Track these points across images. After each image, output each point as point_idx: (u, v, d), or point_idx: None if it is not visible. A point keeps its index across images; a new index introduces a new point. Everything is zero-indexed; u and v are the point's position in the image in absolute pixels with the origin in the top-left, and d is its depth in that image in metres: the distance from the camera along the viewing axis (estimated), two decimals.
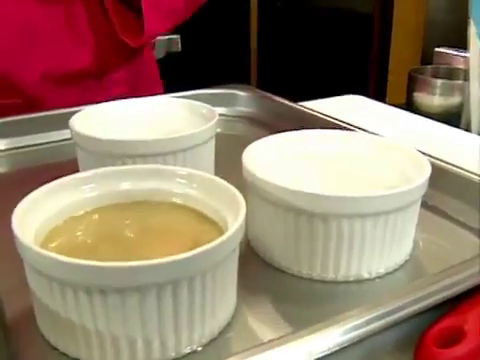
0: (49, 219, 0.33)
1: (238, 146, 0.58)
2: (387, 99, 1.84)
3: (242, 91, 0.67)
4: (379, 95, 1.89)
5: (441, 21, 1.86)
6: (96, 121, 0.49)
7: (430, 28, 1.86)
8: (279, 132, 0.61)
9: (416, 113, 0.79)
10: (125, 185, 0.36)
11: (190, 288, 0.28)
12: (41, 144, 0.57)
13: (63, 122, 0.57)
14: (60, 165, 0.54)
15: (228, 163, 0.52)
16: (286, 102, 0.65)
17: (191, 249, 0.32)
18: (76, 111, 0.50)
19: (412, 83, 0.84)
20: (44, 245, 0.32)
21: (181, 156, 0.44)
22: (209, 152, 0.48)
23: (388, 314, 0.30)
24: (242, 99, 0.66)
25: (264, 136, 0.64)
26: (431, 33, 1.85)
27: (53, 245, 0.32)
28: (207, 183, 0.34)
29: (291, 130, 0.62)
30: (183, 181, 0.35)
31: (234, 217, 0.32)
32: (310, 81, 2.17)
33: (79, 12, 0.67)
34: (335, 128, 0.57)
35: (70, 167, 0.52)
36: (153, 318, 0.27)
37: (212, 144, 0.48)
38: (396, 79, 1.91)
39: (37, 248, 0.28)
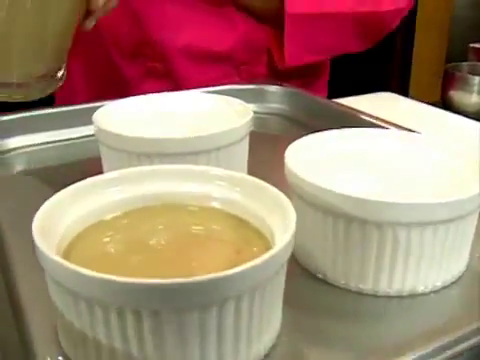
0: (72, 225, 0.30)
1: (270, 144, 0.55)
2: (410, 96, 1.79)
3: (271, 86, 0.63)
4: (402, 92, 1.84)
5: (466, 17, 1.80)
6: (121, 117, 0.45)
7: (455, 24, 1.81)
8: (313, 130, 0.58)
9: (452, 111, 0.75)
10: (156, 187, 0.33)
11: (237, 308, 0.24)
12: (60, 141, 0.54)
13: (84, 117, 0.54)
14: (81, 163, 0.51)
15: (261, 163, 0.49)
16: (318, 98, 0.62)
17: (234, 260, 0.29)
18: (100, 106, 0.47)
19: (448, 80, 0.80)
20: (68, 254, 0.29)
21: (214, 155, 0.41)
22: (243, 151, 0.44)
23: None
24: (272, 95, 0.62)
25: (297, 134, 0.60)
26: (456, 29, 1.80)
27: (78, 254, 0.29)
28: (251, 187, 0.31)
29: (325, 127, 0.58)
30: (223, 183, 0.32)
31: (282, 226, 0.28)
32: (331, 78, 2.12)
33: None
34: (373, 126, 0.53)
35: (93, 166, 0.49)
36: (194, 342, 0.24)
37: (246, 143, 0.44)
38: (420, 76, 1.86)
39: (61, 261, 0.24)
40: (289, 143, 0.55)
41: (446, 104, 0.83)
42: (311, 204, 0.33)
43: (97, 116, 0.43)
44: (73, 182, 0.47)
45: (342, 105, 0.59)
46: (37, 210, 0.42)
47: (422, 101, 0.76)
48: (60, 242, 0.29)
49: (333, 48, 0.71)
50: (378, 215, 0.31)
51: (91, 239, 0.30)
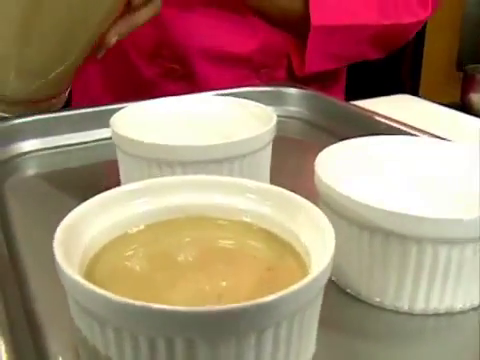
0: (95, 239, 0.28)
1: (291, 150, 0.53)
2: (421, 97, 1.77)
3: (289, 89, 0.61)
4: (412, 93, 1.81)
5: (479, 14, 1.78)
6: (140, 121, 0.44)
7: (467, 22, 1.78)
8: (333, 134, 0.56)
9: (471, 113, 0.73)
10: (182, 199, 0.31)
11: (276, 335, 0.22)
12: (76, 144, 0.52)
13: (101, 120, 0.52)
14: (98, 167, 0.50)
15: (284, 170, 0.47)
16: (337, 101, 0.60)
17: (265, 278, 0.27)
18: (116, 108, 0.45)
19: (467, 82, 0.78)
20: (91, 270, 0.27)
21: (238, 164, 0.39)
22: (267, 158, 0.42)
23: None
24: (290, 98, 0.60)
25: (317, 138, 0.59)
26: (467, 27, 1.78)
27: (101, 271, 0.27)
28: (283, 200, 0.29)
29: (346, 132, 0.57)
30: (253, 196, 0.30)
31: (319, 245, 0.26)
32: None
33: None
34: (398, 131, 0.51)
35: (109, 170, 0.48)
36: None
37: (270, 149, 0.42)
38: (431, 76, 1.84)
39: (86, 283, 0.23)
40: (311, 148, 0.54)
41: (466, 106, 0.81)
42: (345, 217, 0.31)
43: (114, 120, 0.41)
44: (89, 186, 0.46)
45: (363, 109, 0.57)
46: (52, 216, 0.40)
47: (441, 103, 0.74)
48: (83, 257, 0.27)
49: (351, 56, 0.71)
50: (418, 231, 0.29)
51: (115, 254, 0.28)
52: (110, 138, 0.42)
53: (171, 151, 0.38)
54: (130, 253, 0.29)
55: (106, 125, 0.48)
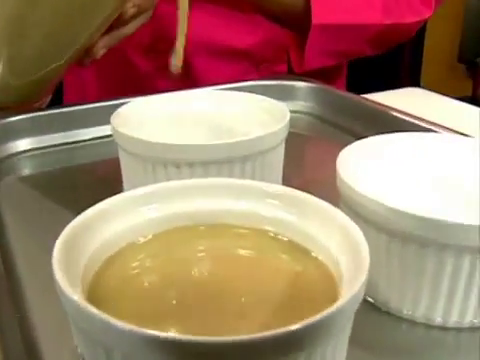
0: (99, 251, 0.25)
1: (303, 146, 0.50)
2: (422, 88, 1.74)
3: (298, 82, 0.58)
4: (413, 85, 1.78)
5: None
6: (143, 118, 0.41)
7: (469, 14, 1.75)
8: (345, 129, 0.53)
9: None
10: (194, 205, 0.28)
11: None
12: (73, 143, 0.49)
13: (98, 117, 0.49)
14: (96, 167, 0.47)
15: (297, 169, 0.44)
16: (348, 95, 0.57)
17: (289, 294, 0.24)
18: (114, 104, 0.42)
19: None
20: (94, 288, 0.24)
21: (250, 164, 0.36)
22: (279, 158, 0.39)
23: None
24: (301, 92, 0.57)
25: (329, 134, 0.56)
26: (469, 20, 1.74)
27: (106, 290, 0.24)
28: (309, 207, 0.26)
29: (359, 127, 0.54)
30: (275, 202, 0.27)
31: (350, 260, 0.23)
32: None
33: None
34: (414, 126, 0.48)
35: (108, 169, 0.45)
36: None
37: (283, 147, 0.39)
38: (431, 68, 1.81)
39: (91, 309, 0.20)
40: (323, 145, 0.51)
41: (476, 99, 0.78)
42: (373, 223, 0.29)
43: (115, 117, 0.38)
44: (89, 187, 0.44)
45: (376, 103, 0.54)
46: (50, 220, 0.38)
47: (453, 96, 0.71)
48: (85, 273, 0.24)
49: (351, 54, 0.69)
50: (457, 239, 0.26)
51: (120, 269, 0.25)
52: (110, 136, 0.39)
53: (177, 150, 0.35)
54: (137, 267, 0.26)
55: (105, 122, 0.45)
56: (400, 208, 0.27)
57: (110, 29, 0.46)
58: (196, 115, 0.43)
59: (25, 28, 0.42)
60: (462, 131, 0.49)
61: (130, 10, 0.47)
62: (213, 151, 0.35)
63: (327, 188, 0.41)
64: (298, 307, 0.24)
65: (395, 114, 0.51)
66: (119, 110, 0.39)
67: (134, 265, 0.26)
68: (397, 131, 0.49)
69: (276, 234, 0.27)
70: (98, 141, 0.49)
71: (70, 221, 0.38)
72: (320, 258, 0.25)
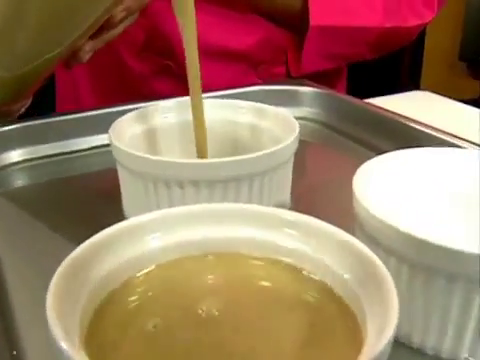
0: (96, 289, 0.23)
1: (311, 158, 0.48)
2: (423, 88, 1.72)
3: (305, 88, 0.56)
4: (412, 87, 1.76)
5: None
6: (142, 130, 0.38)
7: (470, 11, 1.73)
8: (354, 138, 0.51)
9: None
10: (203, 232, 0.26)
11: None
12: (67, 153, 0.46)
13: (94, 125, 0.47)
14: (92, 179, 0.44)
15: (306, 184, 0.42)
16: (357, 102, 0.54)
17: (308, 338, 0.22)
18: (110, 112, 0.40)
19: None
20: (92, 333, 0.22)
21: (258, 181, 0.34)
22: (288, 173, 0.37)
23: None
24: (306, 97, 0.55)
25: (337, 143, 0.53)
26: (471, 17, 1.72)
27: (104, 333, 0.22)
28: (331, 240, 0.23)
29: (367, 136, 0.52)
30: (293, 232, 0.24)
31: (375, 302, 0.21)
32: None
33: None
34: (429, 138, 0.46)
35: (105, 181, 0.43)
36: None
37: (292, 162, 0.37)
38: (432, 66, 1.78)
39: None
40: (330, 153, 0.49)
41: None
42: (393, 253, 0.26)
43: (113, 131, 0.36)
44: (86, 201, 0.41)
45: (383, 109, 0.52)
46: (43, 238, 0.35)
47: (462, 100, 0.69)
48: (82, 316, 0.22)
49: (349, 57, 0.67)
50: None
51: (121, 308, 0.23)
52: (107, 145, 0.37)
53: (181, 168, 0.32)
54: (139, 306, 0.23)
55: (101, 131, 0.43)
56: (427, 239, 0.25)
57: (97, 32, 0.44)
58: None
59: (13, 23, 0.39)
60: (469, 136, 0.47)
61: (120, 14, 0.44)
62: (219, 169, 0.32)
63: (339, 205, 0.39)
64: (318, 349, 0.22)
65: (404, 122, 0.48)
66: (117, 122, 0.37)
67: (135, 303, 0.23)
68: (408, 139, 0.47)
69: (292, 265, 0.24)
70: (94, 151, 0.46)
71: (65, 238, 0.36)
72: (343, 297, 0.23)
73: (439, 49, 1.74)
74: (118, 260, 0.24)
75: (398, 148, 0.48)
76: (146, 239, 0.25)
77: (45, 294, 0.20)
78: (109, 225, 0.38)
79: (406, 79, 1.79)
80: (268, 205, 0.35)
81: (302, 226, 0.24)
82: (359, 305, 0.22)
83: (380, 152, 0.48)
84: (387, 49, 0.68)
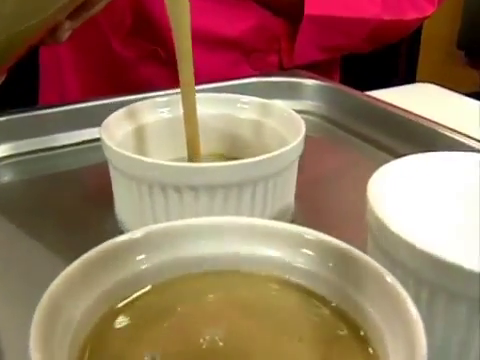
0: (83, 321, 0.20)
1: (314, 155, 0.45)
2: (418, 80, 1.69)
3: (306, 80, 0.53)
4: (409, 76, 1.73)
5: None
6: (136, 128, 0.35)
7: (469, 1, 1.69)
8: (359, 135, 0.48)
9: None
10: (202, 248, 0.23)
11: None
12: (53, 149, 0.43)
13: (82, 119, 0.44)
14: (80, 175, 0.41)
15: (310, 185, 0.39)
16: (363, 97, 0.51)
17: None
18: (99, 105, 0.37)
19: None
20: None
21: (262, 186, 0.31)
22: (293, 176, 0.34)
23: None
24: (307, 90, 0.52)
25: (342, 140, 0.51)
26: (470, 6, 1.69)
27: None
28: (349, 263, 0.21)
29: (374, 133, 0.49)
30: (310, 253, 0.22)
31: (398, 336, 0.19)
32: None
33: None
34: (443, 137, 0.43)
35: (94, 179, 0.40)
36: None
37: (296, 165, 0.34)
38: (429, 55, 1.75)
39: None
40: (334, 151, 0.46)
41: None
42: (412, 274, 0.24)
43: (105, 129, 0.33)
44: (73, 198, 0.38)
45: (388, 104, 0.49)
46: (28, 239, 0.33)
47: (463, 93, 0.66)
48: (72, 342, 0.19)
49: (344, 48, 0.65)
50: None
51: (114, 336, 0.21)
52: (97, 139, 0.34)
53: (179, 172, 0.30)
54: (134, 334, 0.21)
55: (90, 124, 0.40)
56: (457, 262, 0.22)
57: (76, 11, 0.41)
58: (200, 125, 0.37)
59: None
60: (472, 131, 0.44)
61: None
62: (221, 174, 0.30)
63: (348, 210, 0.36)
64: None
65: (413, 119, 0.46)
66: (108, 119, 0.34)
67: (130, 332, 0.21)
68: (418, 137, 0.44)
69: (302, 287, 0.22)
70: (83, 146, 0.43)
71: (52, 242, 0.33)
72: (360, 328, 0.21)
73: (437, 37, 1.71)
74: (108, 282, 0.22)
75: (406, 147, 0.46)
76: (138, 258, 0.23)
77: (27, 313, 0.18)
78: (100, 228, 0.35)
79: (403, 67, 1.77)
80: (272, 210, 0.33)
81: (321, 247, 0.22)
82: (379, 337, 0.20)
83: (386, 150, 0.46)
84: (383, 42, 0.66)
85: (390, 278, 0.20)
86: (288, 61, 0.61)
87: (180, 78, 0.33)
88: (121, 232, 0.34)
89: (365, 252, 0.27)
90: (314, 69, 0.60)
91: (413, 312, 0.19)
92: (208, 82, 0.51)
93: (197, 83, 0.50)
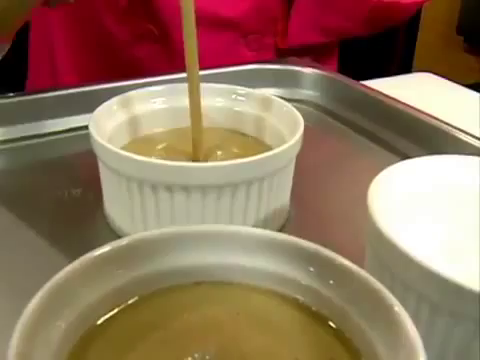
0: (71, 328, 0.19)
1: (311, 148, 0.44)
2: (414, 67, 1.66)
3: (305, 68, 0.51)
4: (406, 63, 1.70)
5: None
6: (128, 120, 0.34)
7: None
8: (356, 126, 0.47)
9: None
10: (194, 257, 0.22)
11: None
12: (41, 136, 0.41)
13: (72, 105, 0.42)
14: (69, 164, 0.40)
15: (307, 184, 0.38)
16: (361, 87, 0.50)
17: None
18: (89, 91, 0.35)
19: None
20: None
21: (256, 186, 0.30)
22: (289, 175, 0.33)
23: None
24: (305, 79, 0.51)
25: (338, 132, 0.50)
26: None
27: None
28: (351, 282, 0.20)
29: (374, 126, 0.47)
30: (311, 269, 0.21)
31: (398, 354, 0.18)
32: None
33: None
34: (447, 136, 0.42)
35: (83, 168, 0.38)
36: None
37: (293, 163, 0.33)
38: (427, 40, 1.73)
39: None
40: (332, 145, 0.45)
41: None
42: (415, 293, 0.23)
43: (94, 122, 0.31)
44: (64, 186, 0.37)
45: (395, 100, 0.47)
46: (14, 232, 0.31)
47: (464, 84, 0.65)
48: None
49: (340, 31, 0.62)
50: None
51: (101, 349, 0.19)
52: (84, 128, 0.33)
53: (171, 172, 0.28)
54: (121, 347, 0.20)
55: (80, 111, 0.38)
56: (460, 282, 0.21)
57: None
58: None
59: None
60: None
61: None
62: (214, 174, 0.28)
63: (345, 212, 0.35)
64: None
65: (408, 111, 0.44)
66: (97, 111, 0.32)
67: (114, 347, 0.20)
68: (420, 134, 0.43)
69: (299, 301, 0.21)
70: (73, 133, 0.42)
71: (38, 237, 0.32)
72: (355, 344, 0.20)
73: (436, 22, 1.68)
74: (95, 293, 0.21)
75: (402, 140, 0.44)
76: (127, 266, 0.21)
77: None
78: (88, 221, 0.34)
79: (400, 53, 1.74)
80: (267, 211, 0.32)
81: (321, 263, 0.21)
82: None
83: (382, 144, 0.45)
84: (381, 26, 0.64)
85: (391, 300, 0.19)
86: (283, 41, 0.59)
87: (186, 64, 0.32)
88: (109, 228, 0.33)
89: (363, 259, 0.26)
90: (311, 54, 0.59)
91: (413, 334, 0.18)
92: (205, 68, 0.49)
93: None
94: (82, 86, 0.42)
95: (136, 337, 0.20)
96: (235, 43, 0.59)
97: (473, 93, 0.63)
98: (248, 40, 0.60)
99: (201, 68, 0.49)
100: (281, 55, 0.59)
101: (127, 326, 0.21)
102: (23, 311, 0.18)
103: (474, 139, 0.40)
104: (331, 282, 0.20)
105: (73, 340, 0.19)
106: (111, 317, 0.21)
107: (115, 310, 0.21)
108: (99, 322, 0.21)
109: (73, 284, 0.20)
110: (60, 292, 0.19)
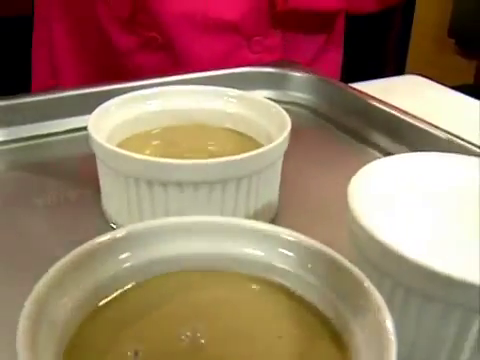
0: (70, 314, 0.21)
1: (299, 150, 0.46)
2: (407, 70, 1.68)
3: (296, 71, 0.53)
4: (398, 65, 1.73)
5: None
6: (125, 120, 0.36)
7: None
8: (345, 127, 0.49)
9: None
10: (187, 247, 0.24)
11: None
12: (41, 137, 0.43)
13: (73, 106, 0.44)
14: (69, 165, 0.41)
15: (293, 182, 0.40)
16: (352, 90, 0.51)
17: None
18: (90, 93, 0.37)
19: None
20: None
21: (245, 182, 0.32)
22: (277, 172, 0.35)
23: None
24: (296, 81, 0.52)
25: (329, 134, 0.51)
26: None
27: None
28: (327, 264, 0.22)
29: (362, 128, 0.49)
30: (290, 253, 0.23)
31: (372, 332, 0.20)
32: None
33: None
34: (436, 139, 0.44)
35: (84, 170, 0.40)
36: None
37: (281, 161, 0.35)
38: (419, 43, 1.75)
39: None
40: (320, 145, 0.47)
41: None
42: (397, 282, 0.25)
43: (93, 121, 0.33)
44: (60, 192, 0.39)
45: (386, 104, 0.48)
46: (13, 234, 0.32)
47: (453, 87, 0.67)
48: (59, 343, 0.20)
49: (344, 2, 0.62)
50: None
51: (95, 339, 0.21)
52: (85, 129, 0.34)
53: (165, 169, 0.30)
54: (116, 329, 0.21)
55: (80, 112, 0.40)
56: (446, 271, 0.23)
57: None
58: (190, 117, 0.38)
59: None
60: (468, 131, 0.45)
61: None
62: (206, 171, 0.30)
63: (330, 207, 0.37)
64: None
65: (398, 114, 0.46)
66: (97, 111, 0.34)
67: (113, 327, 0.22)
68: (407, 136, 0.45)
69: (285, 287, 0.23)
70: (73, 135, 0.44)
71: (37, 237, 0.33)
72: (332, 320, 0.21)
73: (428, 25, 1.71)
74: (92, 281, 0.22)
75: (391, 143, 0.46)
76: (120, 257, 0.23)
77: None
78: (87, 218, 0.35)
79: (392, 55, 1.76)
80: (255, 206, 0.34)
81: (297, 246, 0.23)
82: (353, 336, 0.21)
83: (376, 148, 0.47)
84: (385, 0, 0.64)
85: (367, 283, 0.21)
86: (281, 6, 0.58)
87: None
88: (107, 225, 0.35)
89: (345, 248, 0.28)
90: (312, 30, 0.59)
91: (386, 316, 0.20)
92: (199, 71, 0.51)
93: (191, 71, 0.50)
94: (81, 88, 0.44)
95: (132, 318, 0.22)
96: (237, 47, 0.61)
97: (460, 95, 0.65)
98: (251, 43, 0.61)
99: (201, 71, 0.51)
100: (280, 21, 0.59)
101: (124, 308, 0.23)
102: (31, 292, 0.20)
103: (455, 138, 0.42)
104: (310, 266, 0.22)
105: (76, 321, 0.21)
106: (110, 301, 0.23)
107: (113, 295, 0.23)
108: (99, 305, 0.22)
109: (75, 270, 0.21)
110: (63, 277, 0.21)
